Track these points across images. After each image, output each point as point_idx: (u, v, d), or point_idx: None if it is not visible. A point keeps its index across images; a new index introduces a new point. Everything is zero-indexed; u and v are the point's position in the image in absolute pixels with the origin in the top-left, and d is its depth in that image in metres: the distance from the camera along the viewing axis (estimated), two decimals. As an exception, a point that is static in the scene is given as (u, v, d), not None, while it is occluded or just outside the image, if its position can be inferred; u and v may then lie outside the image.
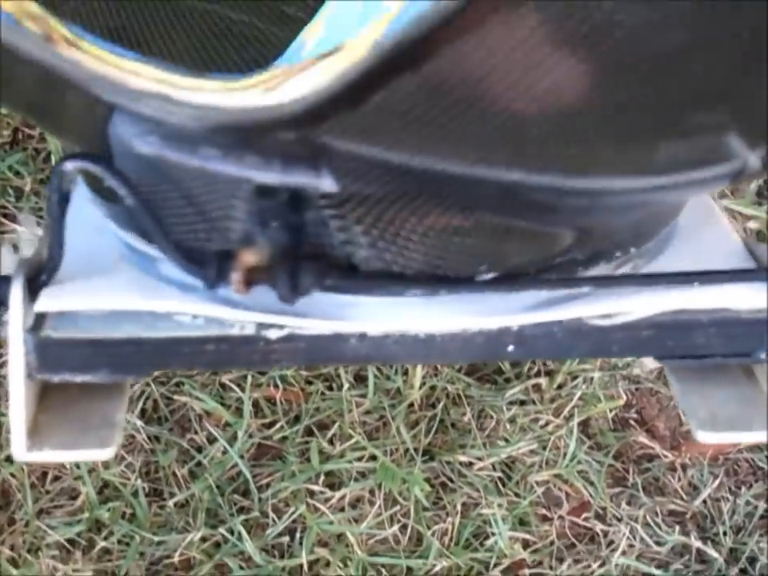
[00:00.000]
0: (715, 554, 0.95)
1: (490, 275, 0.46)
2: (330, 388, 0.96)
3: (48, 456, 0.48)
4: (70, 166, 0.44)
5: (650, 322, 0.49)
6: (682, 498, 0.97)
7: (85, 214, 0.54)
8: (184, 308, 0.48)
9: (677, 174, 0.41)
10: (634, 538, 0.95)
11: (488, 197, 0.41)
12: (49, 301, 0.47)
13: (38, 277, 0.48)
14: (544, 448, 0.96)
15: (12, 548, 0.92)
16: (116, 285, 0.49)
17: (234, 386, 0.95)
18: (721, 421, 0.51)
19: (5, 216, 0.98)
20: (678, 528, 0.96)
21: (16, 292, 0.46)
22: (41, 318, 0.48)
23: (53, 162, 0.98)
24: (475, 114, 0.35)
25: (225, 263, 0.44)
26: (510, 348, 0.49)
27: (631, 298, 0.49)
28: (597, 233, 0.49)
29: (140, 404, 0.95)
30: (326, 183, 0.39)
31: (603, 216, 0.47)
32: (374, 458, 0.94)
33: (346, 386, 0.95)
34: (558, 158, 0.38)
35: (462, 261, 0.46)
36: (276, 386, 0.96)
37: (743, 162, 0.41)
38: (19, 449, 0.47)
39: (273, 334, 0.47)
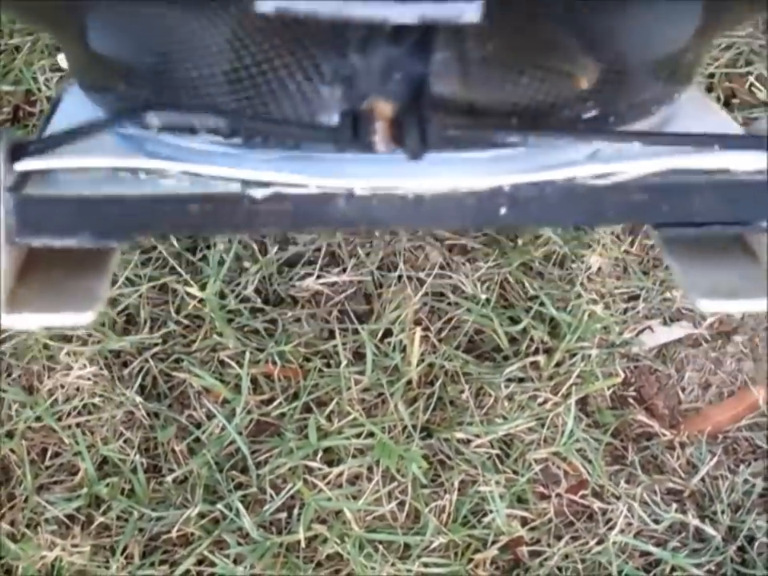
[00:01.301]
0: (713, 532, 0.95)
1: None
2: (329, 365, 0.96)
3: (25, 320, 0.47)
4: None
5: (645, 184, 0.47)
6: (680, 476, 0.97)
7: (74, 107, 0.54)
8: (168, 166, 0.46)
9: None
10: (632, 515, 0.95)
11: None
12: (31, 161, 0.46)
13: (24, 146, 0.47)
14: (542, 426, 0.96)
15: (12, 523, 0.93)
16: (102, 149, 0.48)
17: (232, 363, 0.95)
18: (722, 290, 0.49)
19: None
20: (676, 506, 0.96)
21: None
22: (22, 179, 0.47)
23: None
24: None
25: (364, 117, 0.42)
26: (503, 210, 0.47)
27: (626, 160, 0.48)
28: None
29: (139, 380, 0.96)
30: (470, 9, 0.37)
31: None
32: (371, 434, 0.94)
33: (344, 362, 0.95)
34: None
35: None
36: (274, 363, 0.96)
37: None
38: None
39: (258, 193, 0.46)
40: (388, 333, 0.97)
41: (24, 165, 0.46)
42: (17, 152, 0.46)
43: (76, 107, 0.53)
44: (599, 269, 0.99)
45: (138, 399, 0.95)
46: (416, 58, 0.41)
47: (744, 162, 0.48)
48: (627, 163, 0.47)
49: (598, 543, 0.94)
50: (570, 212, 0.48)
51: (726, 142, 0.48)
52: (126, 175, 0.47)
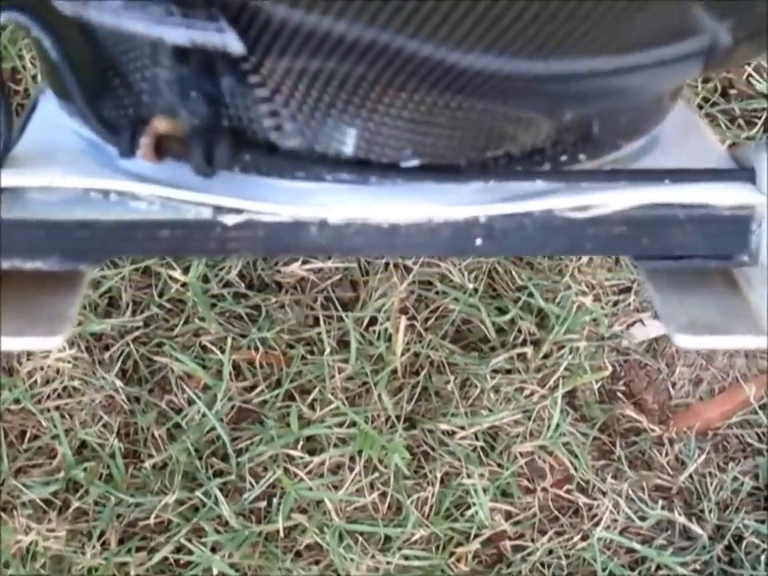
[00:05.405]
0: (700, 531, 0.93)
1: (416, 162, 0.44)
2: (312, 352, 0.95)
3: None
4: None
5: (625, 217, 0.47)
6: (668, 473, 0.95)
7: (48, 118, 0.53)
8: (139, 189, 0.46)
9: (645, 52, 0.40)
10: (618, 512, 0.94)
11: (416, 73, 0.39)
12: (3, 176, 0.46)
13: None
14: (528, 418, 0.94)
15: (-13, 507, 0.92)
16: (72, 169, 0.47)
17: (214, 348, 0.94)
18: (700, 326, 0.49)
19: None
20: (663, 503, 0.94)
21: None
22: None
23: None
24: None
25: (139, 129, 0.43)
26: (479, 241, 0.46)
27: (606, 192, 0.47)
28: (542, 123, 0.46)
29: (119, 364, 0.94)
30: (230, 40, 0.38)
31: (554, 103, 0.45)
32: (354, 424, 0.93)
33: (328, 350, 0.94)
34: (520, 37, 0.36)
35: (384, 142, 0.43)
36: (257, 349, 0.94)
37: (713, 37, 0.39)
38: None
39: (230, 220, 0.45)
40: (373, 321, 0.95)
41: None
42: None
43: (52, 114, 0.53)
44: (590, 260, 0.97)
45: (119, 383, 0.94)
46: (208, 79, 0.41)
47: (726, 197, 0.47)
48: (607, 196, 0.47)
49: (583, 539, 0.93)
50: (547, 243, 0.47)
51: (707, 176, 0.48)
52: (97, 196, 0.46)
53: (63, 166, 0.47)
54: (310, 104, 0.42)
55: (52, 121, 0.52)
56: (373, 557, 0.91)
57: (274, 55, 0.39)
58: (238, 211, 0.46)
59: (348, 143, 0.44)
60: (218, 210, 0.46)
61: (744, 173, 0.48)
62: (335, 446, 0.93)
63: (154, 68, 0.42)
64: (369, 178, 0.44)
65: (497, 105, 0.43)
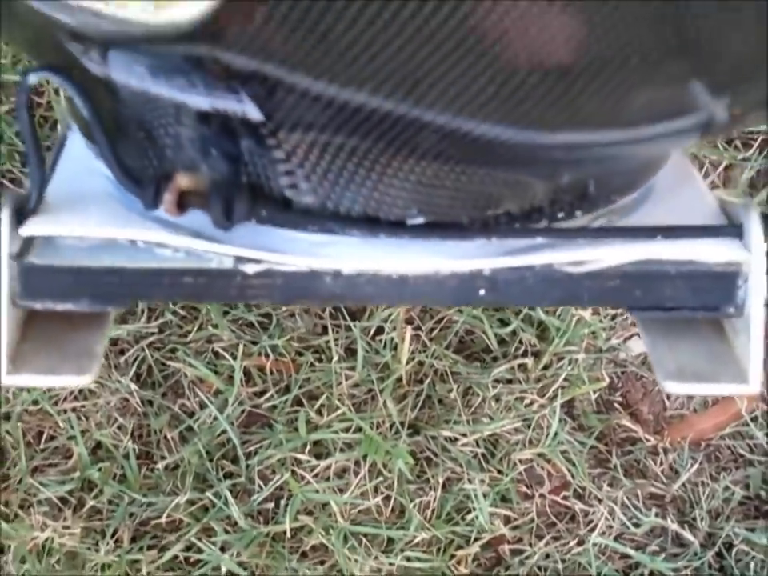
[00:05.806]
0: (692, 538, 0.96)
1: (421, 219, 0.47)
2: (320, 360, 0.98)
3: (26, 380, 0.50)
4: (33, 78, 0.46)
5: (619, 272, 0.50)
6: (662, 482, 0.98)
7: (77, 158, 0.56)
8: (165, 239, 0.49)
9: (644, 127, 0.42)
10: (613, 518, 0.97)
11: (425, 143, 0.42)
12: (34, 226, 0.49)
13: (26, 205, 0.49)
14: (528, 427, 0.97)
15: (5, 504, 0.94)
16: (101, 216, 0.50)
17: (226, 354, 0.97)
18: (688, 373, 0.52)
19: (12, 181, 1.01)
20: (656, 510, 0.97)
21: (3, 219, 0.47)
22: (26, 246, 0.49)
23: (59, 129, 1.00)
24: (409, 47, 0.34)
25: (162, 184, 0.46)
26: (482, 292, 0.49)
27: (601, 247, 0.50)
28: (537, 186, 0.49)
29: (134, 368, 0.97)
30: (249, 109, 0.40)
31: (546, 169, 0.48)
32: (360, 429, 0.96)
33: (336, 358, 0.97)
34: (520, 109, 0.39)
35: (392, 202, 0.47)
36: (267, 356, 0.98)
37: (710, 114, 0.42)
38: None
39: (250, 269, 0.48)
40: (380, 330, 0.98)
41: (28, 230, 0.49)
42: (20, 213, 0.49)
43: (80, 154, 0.55)
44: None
45: (133, 387, 0.97)
46: (229, 140, 0.44)
47: (715, 254, 0.50)
48: (602, 251, 0.49)
49: (579, 544, 0.96)
50: (547, 295, 0.51)
51: (695, 232, 0.51)
52: (125, 242, 0.49)
53: (93, 213, 0.50)
54: (324, 166, 0.44)
55: (81, 162, 0.55)
56: (376, 558, 0.94)
57: (288, 125, 0.42)
58: (258, 261, 0.49)
59: (358, 202, 0.47)
60: (239, 259, 0.49)
61: (733, 229, 0.51)
62: (341, 450, 0.96)
63: (177, 126, 0.45)
64: (378, 234, 0.48)
65: (499, 170, 0.46)
